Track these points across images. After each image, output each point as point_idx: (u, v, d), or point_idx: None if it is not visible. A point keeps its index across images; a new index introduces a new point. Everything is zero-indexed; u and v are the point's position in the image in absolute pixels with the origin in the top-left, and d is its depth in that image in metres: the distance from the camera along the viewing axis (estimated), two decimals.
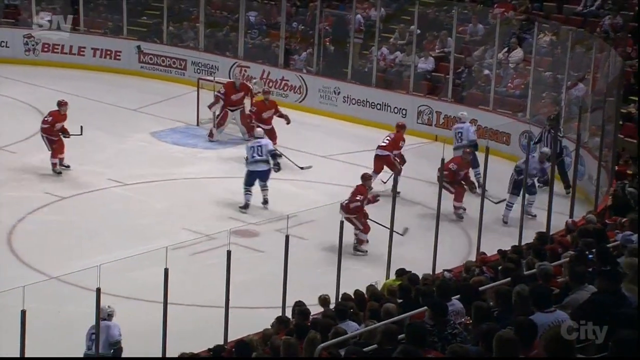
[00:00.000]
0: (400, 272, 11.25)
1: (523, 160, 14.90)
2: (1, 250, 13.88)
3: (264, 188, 16.22)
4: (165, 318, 10.40)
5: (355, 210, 13.71)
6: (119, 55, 23.99)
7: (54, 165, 17.01)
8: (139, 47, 23.87)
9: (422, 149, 18.11)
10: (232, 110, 19.31)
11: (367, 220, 13.93)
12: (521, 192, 14.45)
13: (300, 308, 9.80)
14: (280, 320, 10.03)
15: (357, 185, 14.22)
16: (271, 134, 18.31)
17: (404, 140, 16.91)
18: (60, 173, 16.98)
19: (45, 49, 24.16)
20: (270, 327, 9.85)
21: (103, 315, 10.08)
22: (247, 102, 19.69)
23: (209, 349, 9.71)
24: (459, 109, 19.70)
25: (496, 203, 15.05)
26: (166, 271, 10.19)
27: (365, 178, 14.47)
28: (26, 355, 9.43)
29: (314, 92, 21.86)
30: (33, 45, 24.09)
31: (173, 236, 13.40)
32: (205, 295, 12.08)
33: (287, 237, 11.45)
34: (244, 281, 11.92)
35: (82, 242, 14.20)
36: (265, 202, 16.22)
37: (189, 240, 13.46)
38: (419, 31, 21.42)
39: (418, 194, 15.47)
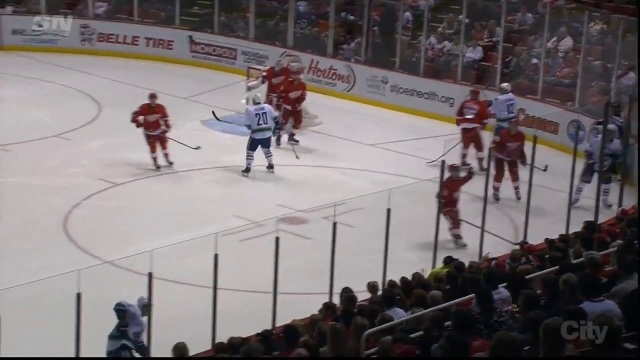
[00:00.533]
0: (448, 260, 11.20)
1: (590, 143, 14.86)
2: (57, 235, 14.01)
3: (268, 154, 16.88)
4: (214, 303, 10.45)
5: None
6: (171, 45, 24.09)
7: (153, 160, 16.72)
8: (190, 36, 23.96)
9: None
10: (274, 96, 19.35)
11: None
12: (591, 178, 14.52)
13: (347, 294, 9.76)
14: (328, 306, 10.02)
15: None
16: (297, 116, 18.47)
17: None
18: (158, 168, 16.76)
19: (101, 39, 24.35)
20: (317, 313, 9.83)
21: (139, 304, 10.08)
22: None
23: (258, 334, 9.72)
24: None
25: (544, 170, 14.79)
26: (216, 257, 10.23)
27: (452, 169, 13.87)
28: (81, 338, 9.53)
29: (362, 82, 21.77)
30: (88, 35, 24.28)
31: (223, 223, 13.45)
32: (254, 281, 12.09)
33: (334, 225, 11.44)
34: (292, 267, 11.92)
35: (135, 228, 14.29)
36: (270, 167, 16.90)
37: (239, 227, 13.50)
38: (467, 21, 21.29)
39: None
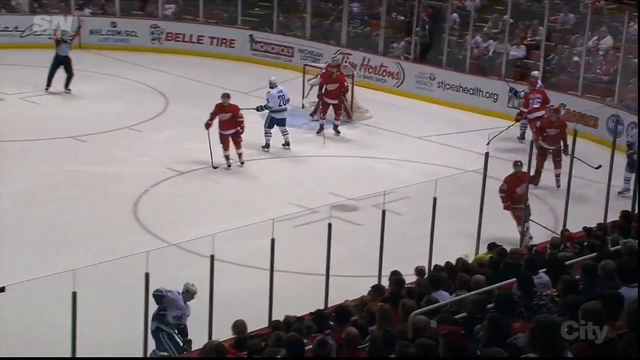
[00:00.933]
0: (491, 246, 11.09)
1: (631, 134, 14.69)
2: (127, 219, 14.13)
3: (284, 133, 17.45)
4: (271, 283, 10.45)
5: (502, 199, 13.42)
6: (233, 44, 24.18)
7: (225, 158, 16.33)
8: (251, 36, 24.03)
9: (512, 132, 17.80)
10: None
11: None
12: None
13: (396, 277, 9.70)
14: (376, 288, 9.98)
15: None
16: (335, 108, 18.47)
17: None
18: (229, 167, 16.33)
19: (169, 38, 24.51)
20: (367, 295, 9.80)
21: (183, 289, 10.09)
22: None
23: (311, 313, 9.70)
24: (548, 93, 19.28)
25: (596, 168, 14.59)
26: (272, 241, 10.23)
27: (515, 165, 13.43)
28: (149, 318, 9.59)
29: (410, 78, 21.67)
30: (158, 34, 24.46)
31: (279, 209, 13.43)
32: (308, 264, 12.08)
33: (383, 212, 11.38)
34: (343, 251, 11.88)
35: (199, 213, 14.36)
36: (287, 144, 17.44)
37: (294, 213, 13.49)
38: (511, 20, 21.14)
39: (505, 173, 15.15)
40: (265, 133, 17.50)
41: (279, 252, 10.44)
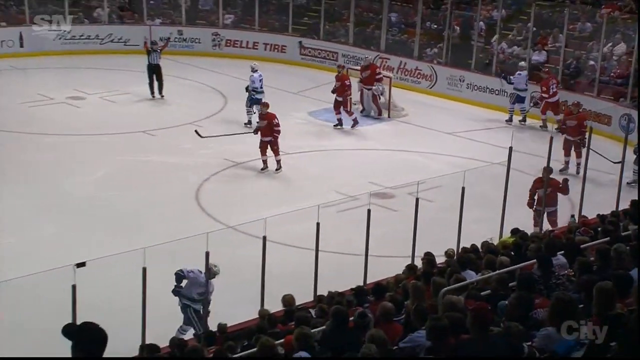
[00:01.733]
0: (515, 231, 10.98)
1: None
2: (191, 204, 14.22)
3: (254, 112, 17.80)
4: (316, 262, 10.46)
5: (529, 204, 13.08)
6: (285, 49, 24.19)
7: (263, 162, 15.84)
8: (300, 42, 24.02)
9: (534, 129, 17.61)
10: (367, 89, 19.34)
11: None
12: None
13: (427, 258, 9.66)
14: (410, 268, 9.94)
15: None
16: (343, 105, 18.50)
17: None
18: (263, 170, 15.82)
19: (228, 44, 24.57)
20: (402, 273, 9.76)
21: (213, 270, 9.91)
22: (385, 86, 19.63)
23: (352, 289, 9.69)
24: (566, 95, 19.12)
25: (615, 163, 14.39)
26: (318, 225, 10.23)
27: (544, 170, 12.78)
28: (209, 289, 9.62)
29: (442, 80, 21.53)
30: (218, 41, 24.54)
31: (324, 196, 13.42)
32: (349, 245, 12.06)
33: (417, 200, 11.33)
34: (381, 234, 11.84)
35: (252, 199, 14.40)
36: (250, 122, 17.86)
37: (337, 200, 13.46)
38: (534, 29, 20.89)
39: (527, 166, 15.03)
40: (247, 112, 18.15)
41: (324, 235, 10.45)
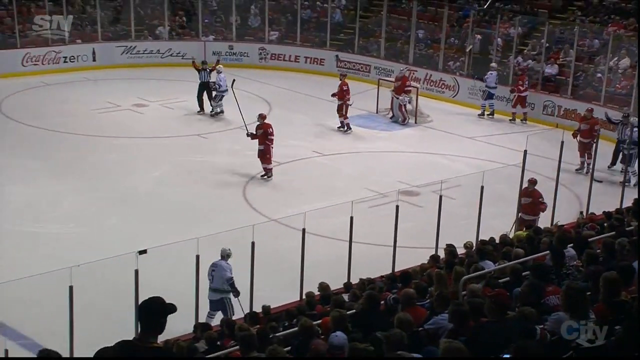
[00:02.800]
0: (529, 226, 10.84)
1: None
2: (239, 199, 14.27)
3: (221, 107, 18.68)
4: (350, 252, 10.46)
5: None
6: (323, 62, 24.14)
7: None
8: (337, 55, 23.95)
9: (545, 134, 17.35)
10: (396, 98, 19.27)
11: None
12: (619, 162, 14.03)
13: (449, 249, 9.60)
14: (434, 258, 9.88)
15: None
16: (338, 108, 18.43)
17: None
18: (262, 176, 15.20)
19: (273, 58, 24.56)
20: (426, 262, 9.70)
21: (222, 254, 9.87)
22: (412, 96, 19.54)
23: (381, 276, 9.66)
24: (576, 104, 18.92)
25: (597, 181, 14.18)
26: (351, 219, 10.23)
27: (529, 182, 12.38)
28: (254, 278, 9.62)
29: (464, 90, 21.31)
30: (264, 55, 24.59)
31: (357, 193, 13.40)
32: (379, 237, 11.99)
33: (440, 197, 11.28)
34: (408, 228, 11.79)
35: (293, 195, 14.41)
36: (219, 112, 18.72)
37: (368, 197, 13.43)
38: (547, 44, 20.65)
39: (541, 167, 14.85)
40: (217, 105, 18.77)
41: (356, 228, 10.44)
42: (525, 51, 21.54)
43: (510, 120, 19.65)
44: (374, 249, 12.00)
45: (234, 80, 16.84)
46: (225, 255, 9.93)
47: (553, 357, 4.58)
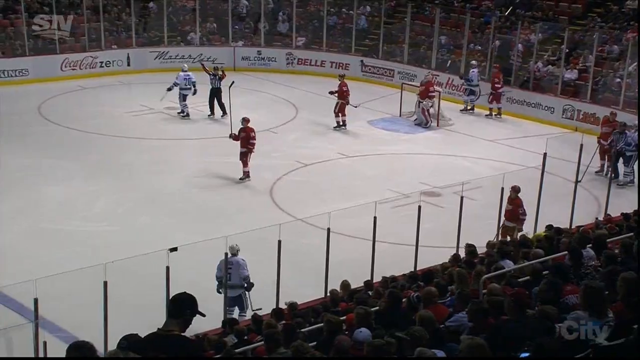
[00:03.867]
0: (549, 227, 10.73)
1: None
2: (265, 199, 14.30)
3: (185, 106, 18.84)
4: (373, 251, 10.44)
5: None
6: (348, 67, 24.08)
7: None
8: (362, 61, 23.92)
9: (565, 137, 17.18)
10: (420, 102, 19.23)
11: None
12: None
13: (470, 248, 9.53)
14: (455, 257, 9.81)
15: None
16: (341, 108, 18.52)
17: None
18: (240, 179, 15.00)
19: (300, 62, 24.58)
20: (447, 261, 9.64)
21: (232, 252, 9.78)
22: (435, 101, 19.46)
23: (404, 274, 9.62)
24: (595, 108, 18.72)
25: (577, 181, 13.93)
26: (375, 219, 10.20)
27: (512, 189, 11.99)
28: (280, 275, 9.62)
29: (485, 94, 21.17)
30: (291, 60, 24.63)
31: (380, 194, 13.37)
32: (402, 237, 11.96)
33: (461, 198, 11.22)
34: (429, 228, 11.72)
35: (318, 196, 14.39)
36: (183, 112, 18.86)
37: (391, 198, 13.39)
38: (567, 50, 20.43)
39: (561, 169, 14.71)
40: (183, 105, 18.92)
41: (380, 227, 10.41)
42: (546, 56, 21.35)
43: (486, 115, 20.05)
44: (396, 248, 11.95)
45: (232, 82, 16.79)
46: (237, 252, 9.88)
47: (571, 355, 4.52)
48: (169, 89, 18.97)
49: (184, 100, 19.00)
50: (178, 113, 19.05)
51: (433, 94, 19.35)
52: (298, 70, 24.41)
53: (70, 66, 22.17)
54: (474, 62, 20.83)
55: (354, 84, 23.05)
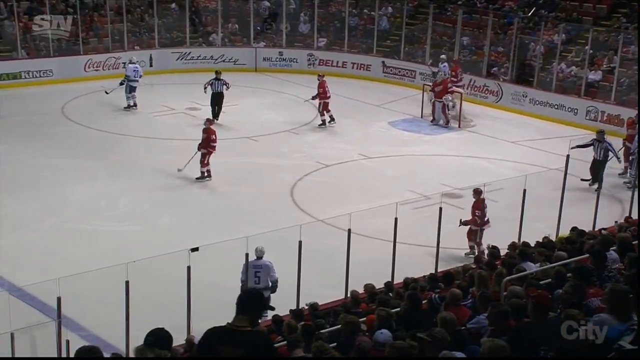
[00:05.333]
0: (573, 229, 10.64)
1: None
2: (286, 200, 14.30)
3: (134, 97, 19.16)
4: (394, 252, 10.40)
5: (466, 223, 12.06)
6: (369, 68, 24.07)
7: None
8: (383, 62, 23.86)
9: (588, 139, 17.01)
10: (438, 102, 19.16)
11: None
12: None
13: (492, 250, 9.48)
14: (476, 258, 9.76)
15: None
16: (324, 107, 18.56)
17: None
18: (197, 178, 14.86)
19: (321, 63, 24.50)
20: (469, 264, 9.60)
21: (259, 255, 9.75)
22: (456, 101, 19.37)
23: (424, 276, 9.58)
24: (619, 109, 18.53)
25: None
26: (395, 220, 10.18)
27: (474, 191, 12.02)
28: (301, 276, 9.61)
29: (507, 95, 21.05)
30: (313, 60, 24.64)
31: (401, 195, 13.33)
32: (423, 238, 11.94)
33: (483, 200, 11.11)
34: (450, 229, 11.68)
35: (339, 196, 14.37)
36: (134, 105, 19.15)
37: (412, 199, 13.34)
38: (591, 51, 20.23)
39: (584, 171, 14.58)
40: (127, 98, 19.08)
41: (400, 228, 10.38)
42: (569, 57, 21.17)
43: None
44: (417, 249, 11.92)
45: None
46: (262, 254, 9.86)
47: (595, 358, 4.48)
48: (122, 84, 19.32)
49: (133, 92, 19.21)
50: (125, 108, 19.29)
51: (452, 89, 19.29)
52: (319, 71, 24.36)
53: (93, 67, 22.36)
54: (443, 56, 20.99)
55: (375, 85, 23.15)
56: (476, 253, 11.47)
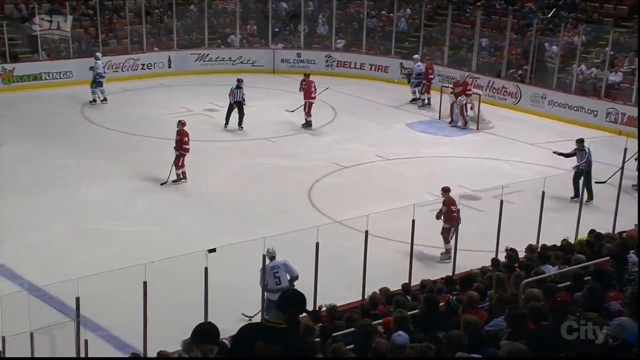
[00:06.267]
0: (591, 232, 10.54)
1: None
2: (304, 201, 14.29)
3: (103, 92, 19.84)
4: (411, 254, 10.36)
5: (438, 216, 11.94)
6: (387, 69, 24.05)
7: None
8: (401, 63, 23.78)
9: (609, 141, 16.89)
10: (456, 102, 19.12)
11: None
12: None
13: (510, 252, 9.41)
14: (494, 260, 9.69)
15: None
16: (309, 108, 18.57)
17: None
18: (173, 181, 14.68)
19: (339, 65, 24.58)
20: (487, 266, 9.53)
21: (271, 256, 9.68)
22: (475, 102, 19.29)
23: (441, 278, 9.54)
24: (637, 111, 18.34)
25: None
26: (413, 222, 10.13)
27: (442, 190, 12.09)
28: (318, 277, 9.58)
29: (526, 97, 20.93)
30: (331, 62, 24.65)
31: (418, 197, 13.27)
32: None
33: (501, 202, 11.08)
34: (469, 231, 11.62)
35: (356, 198, 14.35)
36: (104, 99, 19.87)
37: (430, 200, 13.26)
38: (611, 52, 20.04)
39: (604, 174, 14.43)
40: (92, 92, 19.72)
41: (418, 230, 10.33)
42: (589, 59, 21.01)
43: (419, 106, 20.70)
44: (434, 251, 11.87)
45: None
46: (274, 255, 9.81)
47: None
48: (98, 83, 19.85)
49: (101, 86, 19.81)
50: (90, 102, 19.77)
51: (470, 92, 19.22)
52: (337, 72, 24.41)
53: (112, 68, 22.51)
54: (416, 56, 21.50)
55: (393, 87, 23.09)
56: (445, 252, 11.51)
